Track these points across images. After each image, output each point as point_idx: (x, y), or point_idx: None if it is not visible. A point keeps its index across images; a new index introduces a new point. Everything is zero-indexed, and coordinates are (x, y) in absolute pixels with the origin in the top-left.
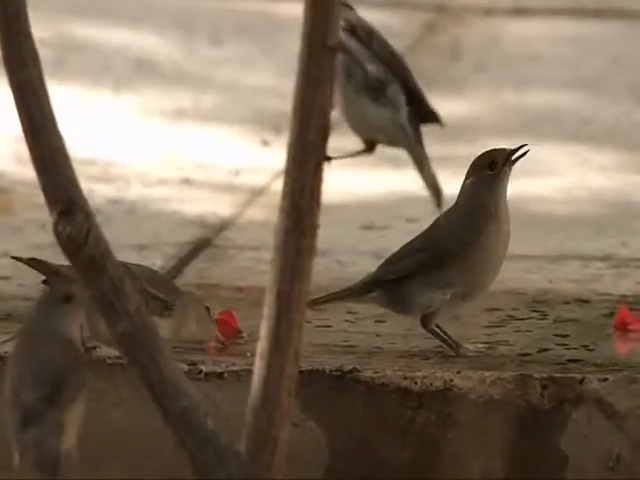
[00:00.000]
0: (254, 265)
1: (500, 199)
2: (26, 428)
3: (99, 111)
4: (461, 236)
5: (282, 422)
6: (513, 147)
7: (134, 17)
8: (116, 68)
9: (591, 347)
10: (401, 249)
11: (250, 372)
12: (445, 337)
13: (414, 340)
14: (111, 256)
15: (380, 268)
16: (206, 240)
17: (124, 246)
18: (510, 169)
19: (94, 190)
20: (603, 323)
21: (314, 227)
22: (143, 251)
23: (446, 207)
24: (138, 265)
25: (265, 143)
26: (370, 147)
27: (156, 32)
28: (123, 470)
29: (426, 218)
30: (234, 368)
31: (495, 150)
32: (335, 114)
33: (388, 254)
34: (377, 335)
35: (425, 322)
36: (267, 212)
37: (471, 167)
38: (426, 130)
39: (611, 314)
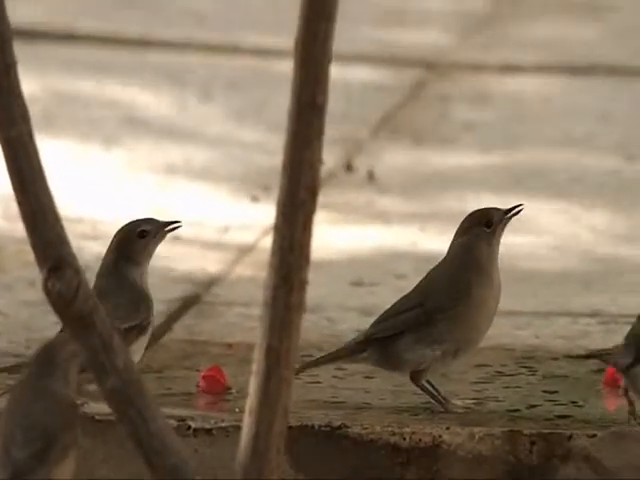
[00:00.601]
0: (243, 321)
1: (494, 257)
2: None
3: (88, 166)
4: (452, 292)
5: (271, 478)
6: (508, 207)
7: (124, 72)
8: (106, 123)
9: (580, 403)
10: (392, 306)
11: (239, 428)
12: (435, 393)
13: (403, 396)
14: (100, 312)
15: (372, 326)
16: (195, 296)
17: None
18: (504, 228)
19: (83, 247)
20: (592, 379)
21: (303, 283)
22: None
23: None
24: None
25: (255, 199)
26: None
27: (146, 87)
28: None
29: (415, 274)
30: (223, 424)
31: (492, 208)
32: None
33: (377, 310)
34: (366, 391)
35: (415, 378)
36: (256, 269)
37: (465, 224)
38: (413, 185)
39: (600, 370)
